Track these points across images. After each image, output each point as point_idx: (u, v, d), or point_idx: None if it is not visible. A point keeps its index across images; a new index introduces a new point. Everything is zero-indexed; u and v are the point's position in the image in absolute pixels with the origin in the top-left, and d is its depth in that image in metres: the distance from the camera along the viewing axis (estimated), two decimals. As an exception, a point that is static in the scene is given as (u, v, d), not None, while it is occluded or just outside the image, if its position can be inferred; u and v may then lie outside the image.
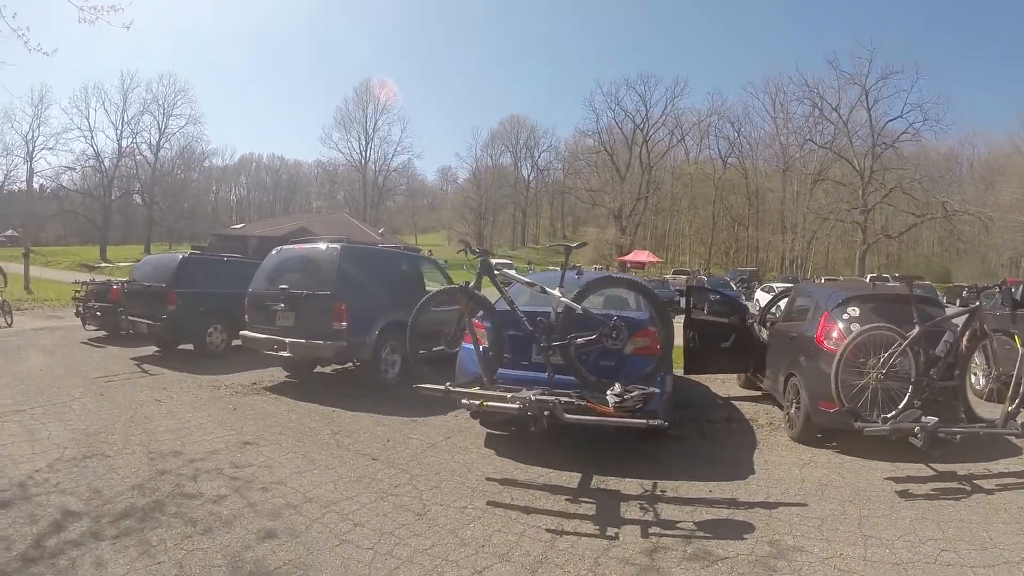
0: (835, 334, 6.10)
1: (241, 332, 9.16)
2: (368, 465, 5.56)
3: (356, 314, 8.26)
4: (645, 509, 4.60)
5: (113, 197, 71.06)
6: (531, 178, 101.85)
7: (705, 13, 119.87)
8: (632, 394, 4.78)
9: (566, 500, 4.75)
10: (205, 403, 7.88)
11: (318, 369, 10.14)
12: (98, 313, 13.56)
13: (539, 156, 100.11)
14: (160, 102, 72.57)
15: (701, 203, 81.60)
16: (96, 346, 12.77)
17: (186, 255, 11.85)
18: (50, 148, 69.97)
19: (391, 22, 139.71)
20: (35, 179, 67.16)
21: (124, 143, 71.06)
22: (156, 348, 12.11)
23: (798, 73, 68.79)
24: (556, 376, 5.19)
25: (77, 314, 14.31)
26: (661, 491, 4.95)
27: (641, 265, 66.25)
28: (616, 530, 4.21)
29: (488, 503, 4.68)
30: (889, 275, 49.02)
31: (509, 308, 5.42)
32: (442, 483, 5.11)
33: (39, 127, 69.15)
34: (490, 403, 4.93)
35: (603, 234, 79.46)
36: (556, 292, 5.30)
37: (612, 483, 5.12)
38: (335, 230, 62.11)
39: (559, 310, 5.25)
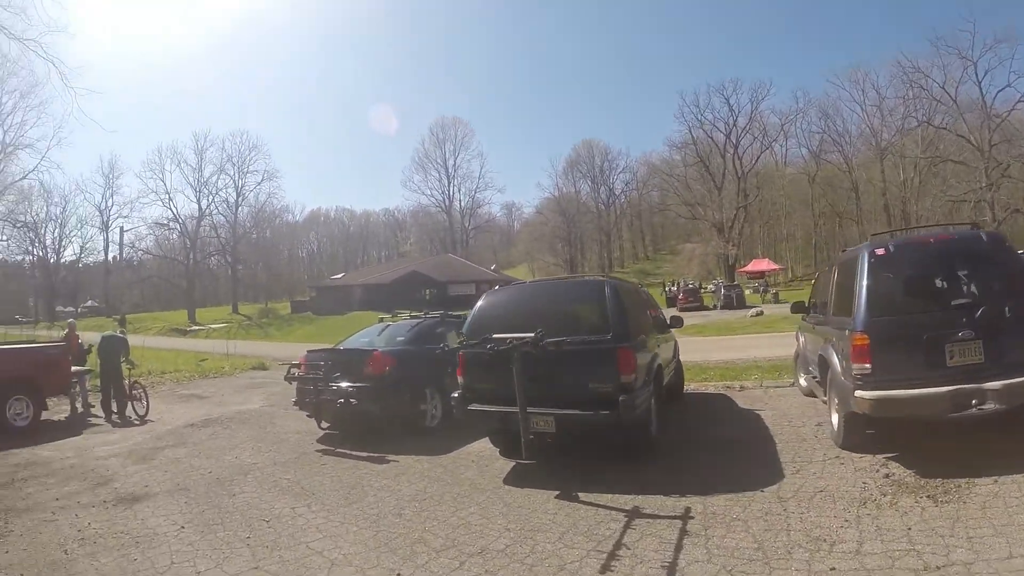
0: None
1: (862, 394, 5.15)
2: None
3: None
4: None
5: (197, 259, 67.39)
6: (610, 201, 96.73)
7: (772, 10, 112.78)
8: None
9: None
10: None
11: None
12: (352, 401, 7.29)
13: (615, 179, 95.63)
14: (235, 160, 69.28)
15: (798, 204, 76.07)
16: (368, 461, 6.44)
17: (607, 279, 6.60)
18: (125, 216, 68.53)
19: (441, 60, 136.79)
20: (115, 247, 66.05)
21: (204, 203, 67.64)
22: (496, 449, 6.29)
23: (902, 55, 61.91)
24: None
25: (299, 404, 8.04)
26: None
27: (761, 275, 61.18)
28: None
29: None
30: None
31: None
32: None
33: (112, 196, 69.36)
34: None
35: (706, 248, 74.45)
36: None
37: None
38: (448, 270, 57.40)
39: None
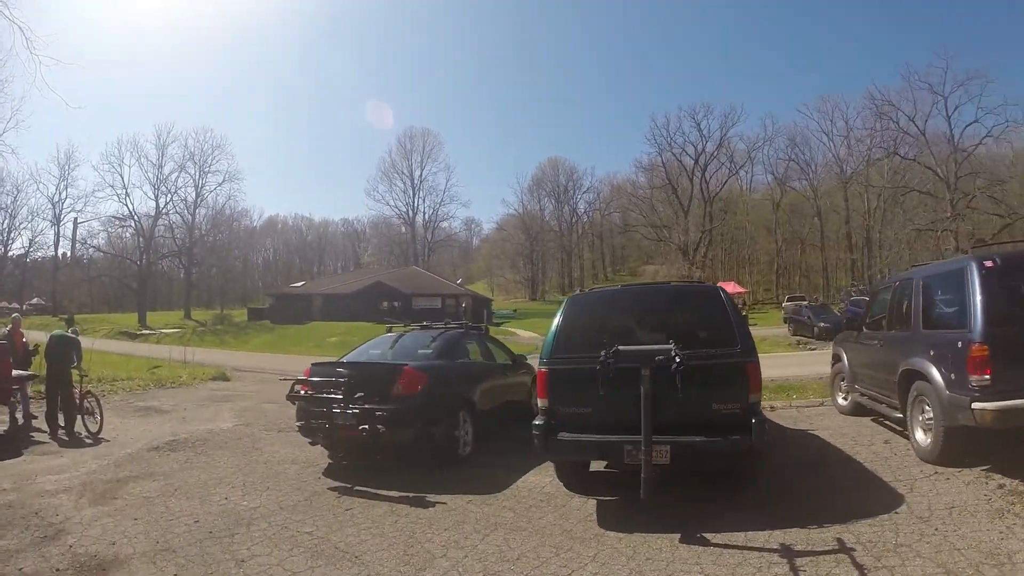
0: None
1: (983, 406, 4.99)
2: None
3: None
4: None
5: (150, 259, 63.65)
6: (573, 221, 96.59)
7: (748, 35, 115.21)
8: None
9: None
10: None
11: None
12: (380, 427, 5.89)
13: (579, 198, 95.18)
14: (196, 159, 65.81)
15: (762, 230, 76.93)
16: (405, 503, 5.06)
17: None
18: (78, 211, 64.48)
19: (408, 66, 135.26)
20: (68, 243, 62.10)
21: (161, 202, 63.92)
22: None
23: (874, 87, 65.18)
24: None
25: (304, 430, 6.52)
26: None
27: (726, 297, 61.98)
28: None
29: None
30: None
31: None
32: None
33: (66, 188, 65.22)
34: None
35: (669, 270, 75.00)
36: None
37: None
38: (413, 283, 55.52)
39: None
